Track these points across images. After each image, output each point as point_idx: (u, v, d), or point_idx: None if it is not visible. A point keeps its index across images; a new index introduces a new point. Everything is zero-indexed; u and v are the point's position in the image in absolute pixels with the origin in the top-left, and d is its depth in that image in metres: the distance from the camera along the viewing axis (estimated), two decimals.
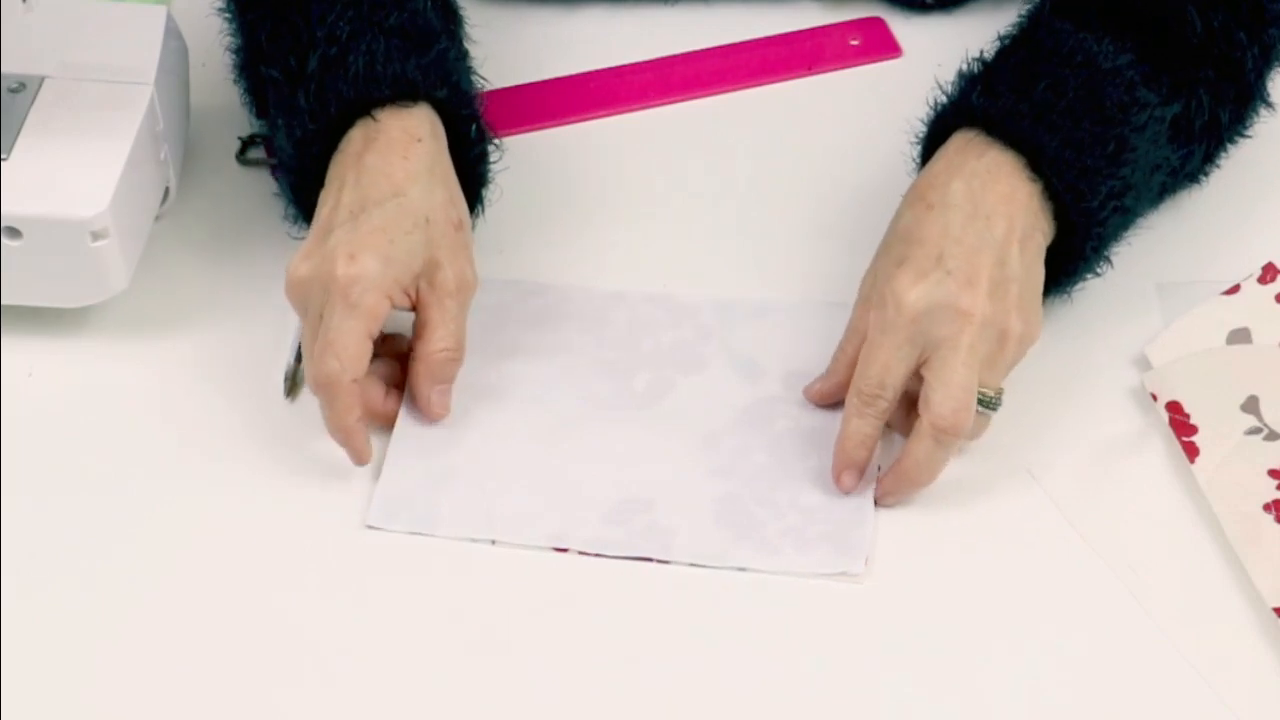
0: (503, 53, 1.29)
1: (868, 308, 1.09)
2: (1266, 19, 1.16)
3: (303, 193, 1.15)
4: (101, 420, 1.14)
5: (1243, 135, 1.20)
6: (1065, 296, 1.15)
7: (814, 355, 1.15)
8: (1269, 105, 1.21)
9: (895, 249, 1.08)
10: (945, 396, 1.04)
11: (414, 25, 1.14)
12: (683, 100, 1.32)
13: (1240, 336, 1.15)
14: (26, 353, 1.16)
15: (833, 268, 1.20)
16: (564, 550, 1.07)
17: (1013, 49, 1.13)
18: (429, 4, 1.17)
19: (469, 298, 1.11)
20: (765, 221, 1.24)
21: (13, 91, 1.16)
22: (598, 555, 1.06)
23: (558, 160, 1.27)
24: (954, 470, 1.10)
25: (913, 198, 1.10)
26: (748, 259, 1.21)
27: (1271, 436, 1.09)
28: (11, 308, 1.16)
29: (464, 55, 1.19)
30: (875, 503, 1.08)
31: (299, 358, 1.15)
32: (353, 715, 1.01)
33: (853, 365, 1.08)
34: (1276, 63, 1.19)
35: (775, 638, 1.03)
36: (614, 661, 1.02)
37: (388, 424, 1.11)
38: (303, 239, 1.11)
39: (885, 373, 1.06)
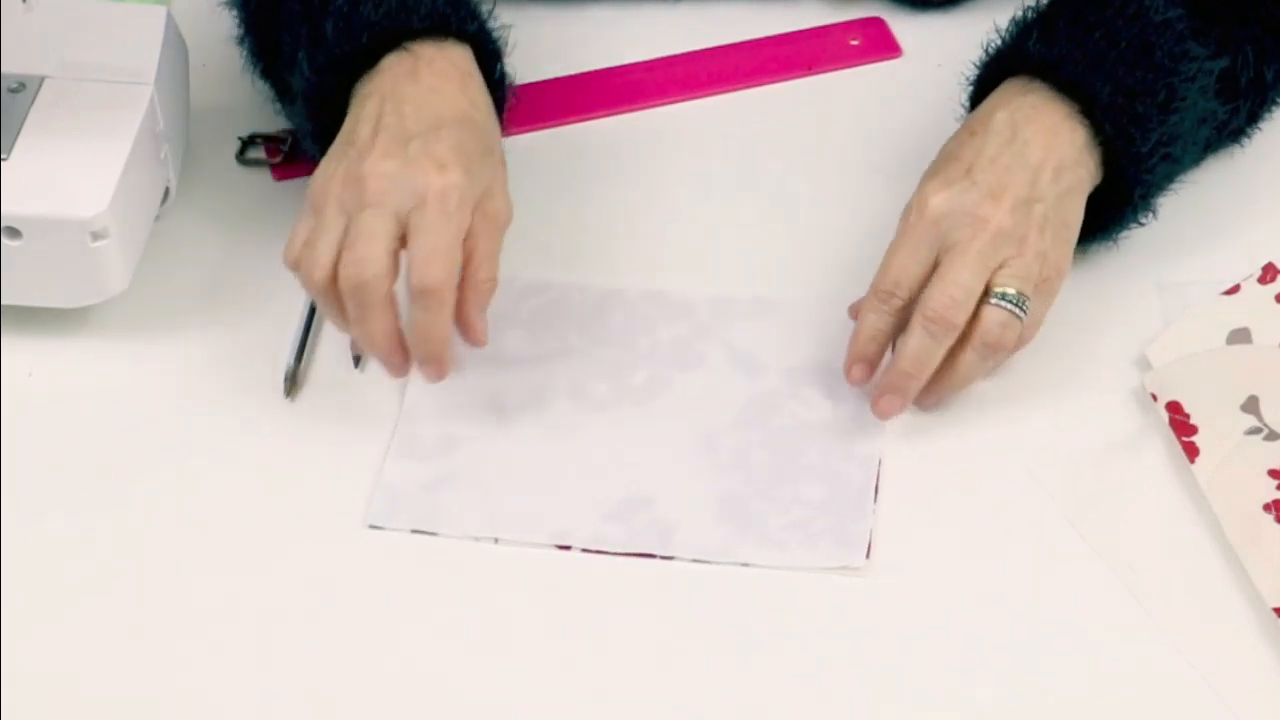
0: None
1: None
2: None
3: (323, 122, 1.14)
4: (101, 420, 1.14)
5: None
6: (1111, 243, 1.18)
7: (812, 350, 1.15)
8: None
9: (933, 168, 1.12)
10: (940, 290, 1.07)
11: None
12: (682, 100, 1.32)
13: (1240, 336, 1.15)
14: (26, 353, 1.16)
15: (831, 267, 1.20)
16: (567, 548, 1.07)
17: (1067, 1, 1.15)
18: None
19: (503, 233, 1.10)
20: (764, 221, 1.24)
21: (13, 91, 1.16)
22: (600, 552, 1.06)
23: (556, 160, 1.27)
24: (954, 470, 1.10)
25: (960, 130, 1.14)
26: (747, 258, 1.21)
27: (1271, 436, 1.09)
28: (11, 308, 1.16)
29: None
30: (872, 406, 1.10)
31: (299, 358, 1.15)
32: (358, 715, 1.01)
33: None
34: None
35: (780, 632, 1.03)
36: (619, 658, 1.02)
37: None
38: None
39: (901, 271, 1.09)
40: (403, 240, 1.06)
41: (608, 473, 1.10)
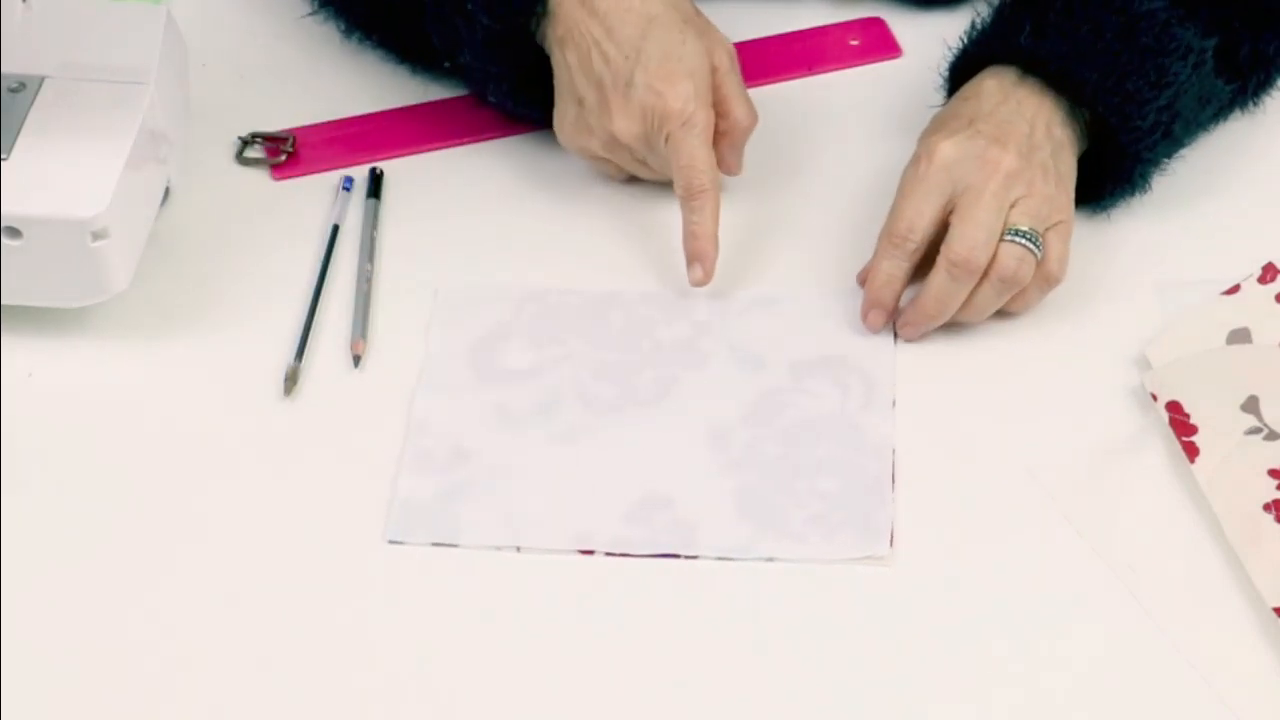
0: None
1: None
2: None
3: (514, 65, 1.21)
4: (101, 420, 1.14)
5: None
6: (1105, 218, 1.21)
7: (815, 344, 1.16)
8: None
9: (932, 126, 1.17)
10: (962, 234, 1.11)
11: None
12: None
13: (1240, 336, 1.15)
14: (26, 353, 1.16)
15: (831, 267, 1.20)
16: (589, 552, 1.07)
17: None
18: None
19: (737, 63, 1.20)
20: (763, 221, 1.24)
21: (13, 91, 1.16)
22: (624, 555, 1.07)
23: (555, 161, 1.26)
24: (954, 470, 1.10)
25: (951, 99, 1.19)
26: (746, 258, 1.21)
27: (1271, 436, 1.09)
28: (11, 308, 1.16)
29: None
30: (895, 335, 1.15)
31: (299, 356, 1.15)
32: None
33: None
34: None
35: (809, 625, 1.04)
36: (650, 659, 1.02)
37: None
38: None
39: (916, 216, 1.13)
40: None
41: (623, 475, 1.10)
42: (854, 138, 1.29)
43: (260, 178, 1.27)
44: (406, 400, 1.14)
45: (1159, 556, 1.06)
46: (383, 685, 1.02)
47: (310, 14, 1.31)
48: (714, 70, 1.18)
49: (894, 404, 1.13)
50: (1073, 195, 1.16)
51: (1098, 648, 1.02)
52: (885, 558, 1.06)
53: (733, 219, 1.23)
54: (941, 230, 1.13)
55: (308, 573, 1.06)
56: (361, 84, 1.31)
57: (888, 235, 1.14)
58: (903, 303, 1.16)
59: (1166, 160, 1.20)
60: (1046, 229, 1.13)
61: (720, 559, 1.06)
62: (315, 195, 1.25)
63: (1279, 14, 1.21)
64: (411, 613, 1.05)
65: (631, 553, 1.07)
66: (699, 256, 1.17)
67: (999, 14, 1.20)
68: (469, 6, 1.18)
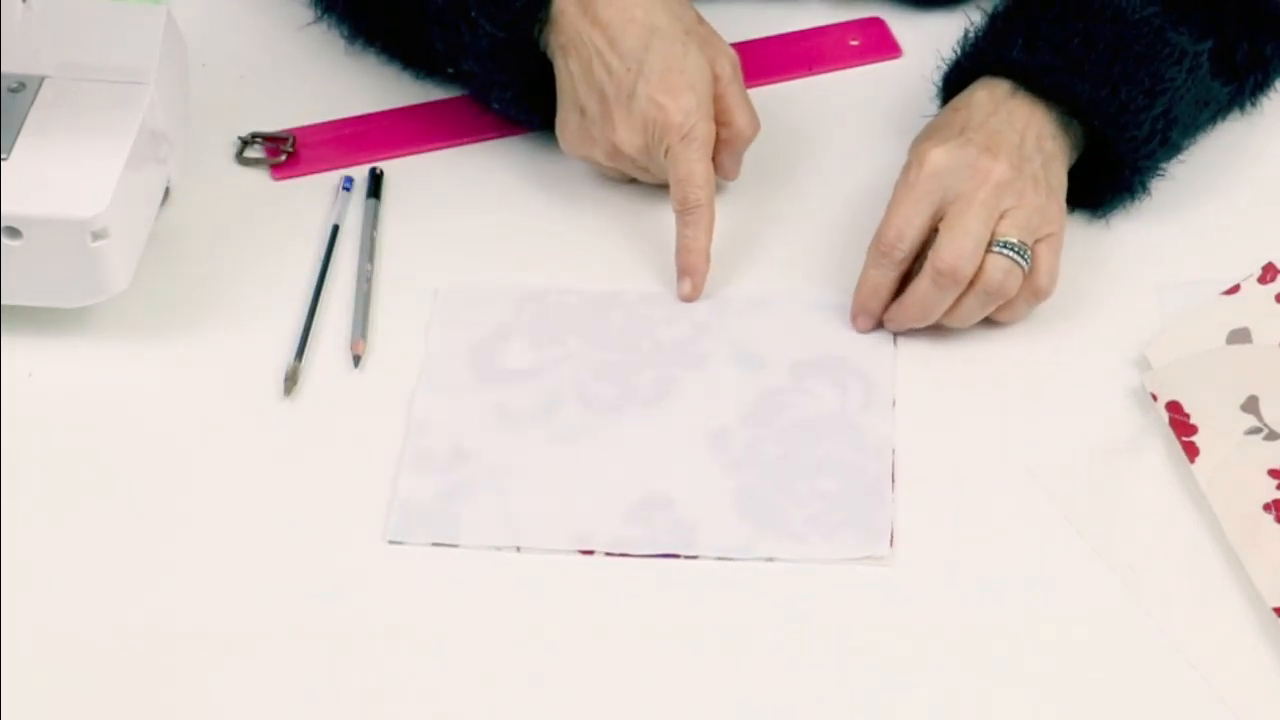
0: None
1: None
2: None
3: (518, 73, 1.21)
4: (101, 420, 1.14)
5: None
6: (1104, 223, 1.21)
7: (814, 344, 1.16)
8: None
9: (923, 134, 1.17)
10: (949, 242, 1.11)
11: None
12: None
13: (1240, 336, 1.15)
14: (26, 353, 1.16)
15: (831, 267, 1.20)
16: (589, 552, 1.07)
17: (1045, 4, 1.18)
18: None
19: (740, 72, 1.20)
20: (763, 221, 1.24)
21: (13, 91, 1.16)
22: (624, 555, 1.07)
23: (554, 161, 1.26)
24: (954, 470, 1.10)
25: (943, 109, 1.19)
26: (746, 258, 1.21)
27: (1271, 436, 1.09)
28: (11, 308, 1.16)
29: None
30: (883, 326, 1.16)
31: (299, 356, 1.15)
32: None
33: None
34: None
35: (810, 625, 1.04)
36: (650, 659, 1.03)
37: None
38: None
39: (905, 225, 1.13)
40: None
41: (623, 475, 1.10)
42: (854, 138, 1.29)
43: (260, 178, 1.27)
44: (406, 400, 1.14)
45: (1159, 556, 1.06)
46: (383, 685, 1.02)
47: (313, 22, 1.31)
48: (716, 79, 1.18)
49: (894, 404, 1.13)
50: (1064, 207, 1.16)
51: (1098, 648, 1.02)
52: (885, 558, 1.06)
53: (733, 219, 1.23)
54: (932, 235, 1.13)
55: (308, 573, 1.06)
56: (361, 84, 1.31)
57: (876, 244, 1.14)
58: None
59: (1165, 165, 1.20)
60: (1036, 241, 1.13)
61: (720, 559, 1.06)
62: (315, 195, 1.25)
63: (1274, 14, 1.21)
64: (411, 613, 1.05)
65: (631, 553, 1.07)
66: (690, 271, 1.18)
67: (991, 25, 1.20)
68: (472, 14, 1.18)
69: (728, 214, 1.23)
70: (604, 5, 1.18)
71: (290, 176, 1.27)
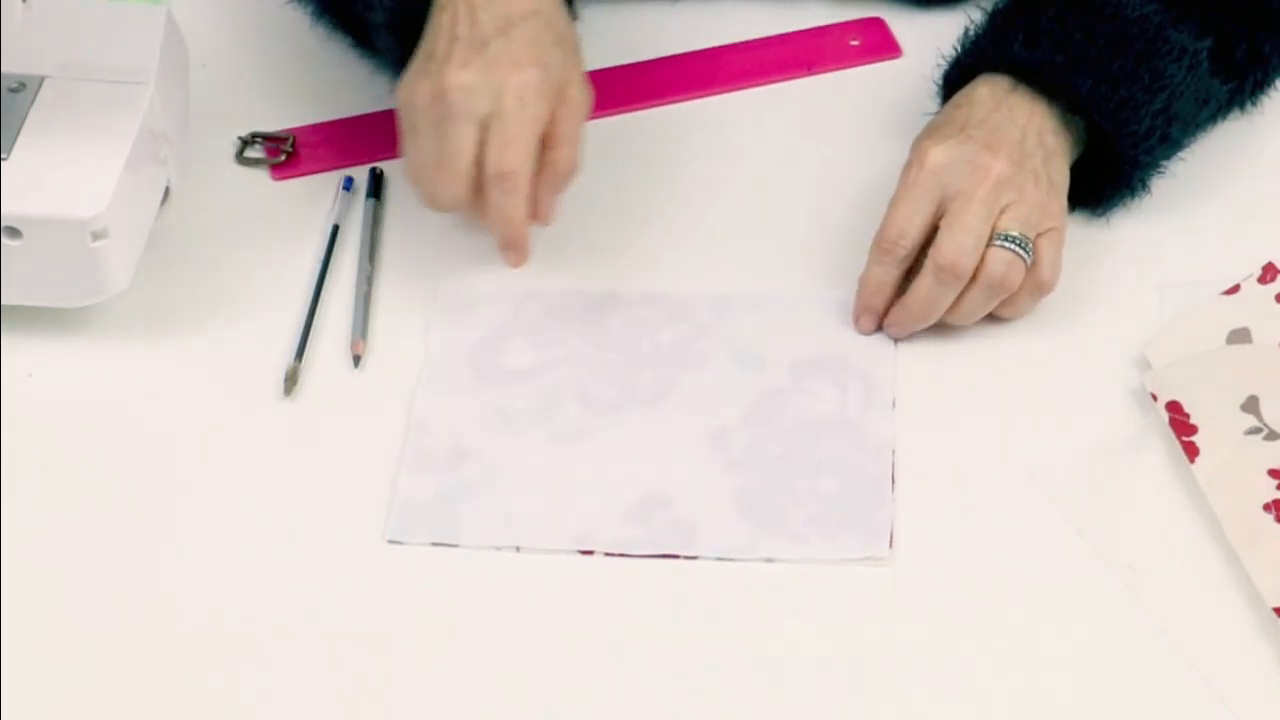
0: None
1: None
2: None
3: (408, 35, 1.17)
4: (101, 420, 1.14)
5: None
6: (1104, 222, 1.21)
7: (815, 344, 1.16)
8: None
9: (924, 132, 1.17)
10: (949, 238, 1.11)
11: None
12: (681, 100, 1.32)
13: (1240, 336, 1.15)
14: (26, 353, 1.16)
15: (831, 267, 1.20)
16: (589, 552, 1.07)
17: (1045, 2, 1.18)
18: None
19: (586, 115, 1.15)
20: (763, 221, 1.24)
21: (13, 91, 1.16)
22: (624, 555, 1.07)
23: None
24: (954, 470, 1.10)
25: (945, 106, 1.19)
26: (746, 259, 1.21)
27: (1271, 436, 1.09)
28: (11, 308, 1.16)
29: None
30: (882, 329, 1.16)
31: (299, 356, 1.15)
32: None
33: None
34: None
35: (809, 625, 1.04)
36: (649, 659, 1.03)
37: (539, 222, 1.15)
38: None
39: (906, 223, 1.13)
40: None
41: (623, 475, 1.10)
42: (854, 138, 1.29)
43: (260, 178, 1.27)
44: (406, 400, 1.14)
45: (1159, 556, 1.06)
46: (382, 685, 1.02)
47: (285, 1, 1.31)
48: (564, 100, 1.13)
49: (894, 404, 1.13)
50: (1065, 202, 1.16)
51: (1097, 648, 1.02)
52: (885, 558, 1.06)
53: (734, 219, 1.23)
54: (933, 233, 1.13)
55: (308, 573, 1.06)
56: (361, 84, 1.31)
57: (879, 242, 1.14)
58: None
59: (1165, 163, 1.20)
60: (1038, 235, 1.13)
61: (720, 559, 1.06)
62: (315, 195, 1.25)
63: (1274, 12, 1.22)
64: (411, 613, 1.05)
65: (631, 553, 1.07)
66: (511, 244, 1.14)
67: (992, 23, 1.20)
68: None
69: (727, 214, 1.24)
70: None
71: (290, 177, 1.27)
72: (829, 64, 1.34)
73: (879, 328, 1.16)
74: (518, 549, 1.07)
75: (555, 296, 1.19)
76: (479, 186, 1.12)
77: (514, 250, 1.14)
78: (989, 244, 1.12)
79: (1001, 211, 1.12)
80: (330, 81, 1.32)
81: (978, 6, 1.26)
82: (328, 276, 1.20)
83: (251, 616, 1.04)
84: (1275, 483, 1.07)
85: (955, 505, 1.09)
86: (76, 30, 1.19)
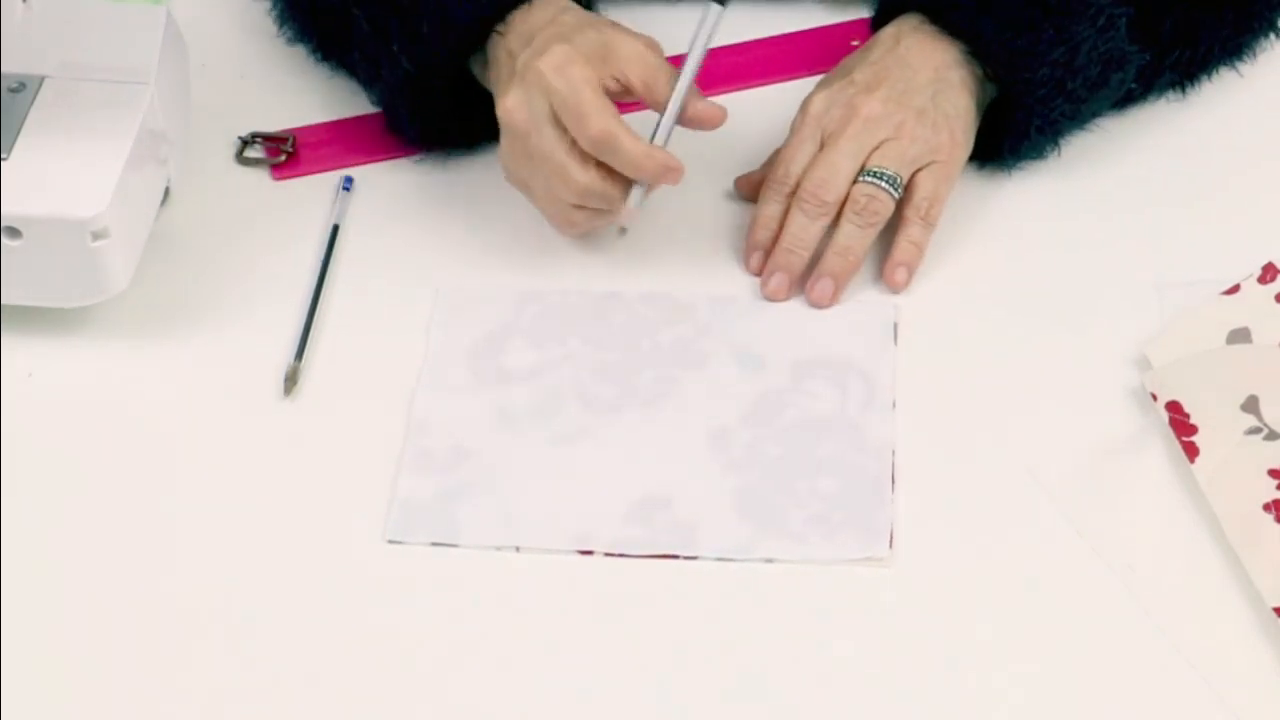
0: None
1: None
2: None
3: (424, 108, 1.22)
4: (101, 420, 1.14)
5: (1243, 57, 1.29)
6: (1006, 173, 1.24)
7: (815, 345, 1.16)
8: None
9: (823, 78, 1.23)
10: (811, 172, 1.17)
11: None
12: None
13: (1240, 336, 1.15)
14: (26, 353, 1.16)
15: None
16: (589, 552, 1.07)
17: None
18: None
19: (661, 55, 1.17)
20: None
21: (13, 91, 1.16)
22: (623, 555, 1.07)
23: None
24: (954, 470, 1.10)
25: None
26: (733, 256, 1.21)
27: (1271, 436, 1.09)
28: (11, 308, 1.16)
29: None
30: (761, 287, 1.19)
31: (299, 356, 1.15)
32: None
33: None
34: None
35: (809, 625, 1.04)
36: (650, 658, 1.03)
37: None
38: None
39: (790, 162, 1.19)
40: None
41: (623, 475, 1.10)
42: None
43: (260, 178, 1.27)
44: (406, 400, 1.14)
45: (1159, 556, 1.06)
46: (382, 685, 1.02)
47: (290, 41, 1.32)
48: (613, 59, 1.14)
49: (894, 404, 1.13)
50: (961, 139, 1.19)
51: (1097, 648, 1.02)
52: (885, 558, 1.06)
53: (733, 220, 1.23)
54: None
55: (308, 573, 1.06)
56: (354, 78, 1.31)
57: (767, 182, 1.19)
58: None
59: (1069, 120, 1.22)
60: (917, 169, 1.17)
61: (720, 559, 1.06)
62: (315, 195, 1.25)
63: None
64: (411, 613, 1.05)
65: (631, 553, 1.07)
66: (656, 172, 1.15)
67: None
68: (394, 47, 1.20)
69: (726, 214, 1.24)
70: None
71: (291, 177, 1.27)
72: (830, 65, 1.33)
73: (767, 268, 1.19)
74: (518, 549, 1.07)
75: (555, 296, 1.19)
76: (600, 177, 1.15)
77: (672, 171, 1.15)
78: (857, 181, 1.17)
79: (875, 148, 1.17)
80: (330, 82, 1.32)
81: None
82: (327, 276, 1.20)
83: (251, 616, 1.05)
84: (1275, 483, 1.07)
85: (955, 505, 1.09)
86: (76, 30, 1.19)
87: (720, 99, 1.30)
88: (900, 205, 1.18)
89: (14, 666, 1.02)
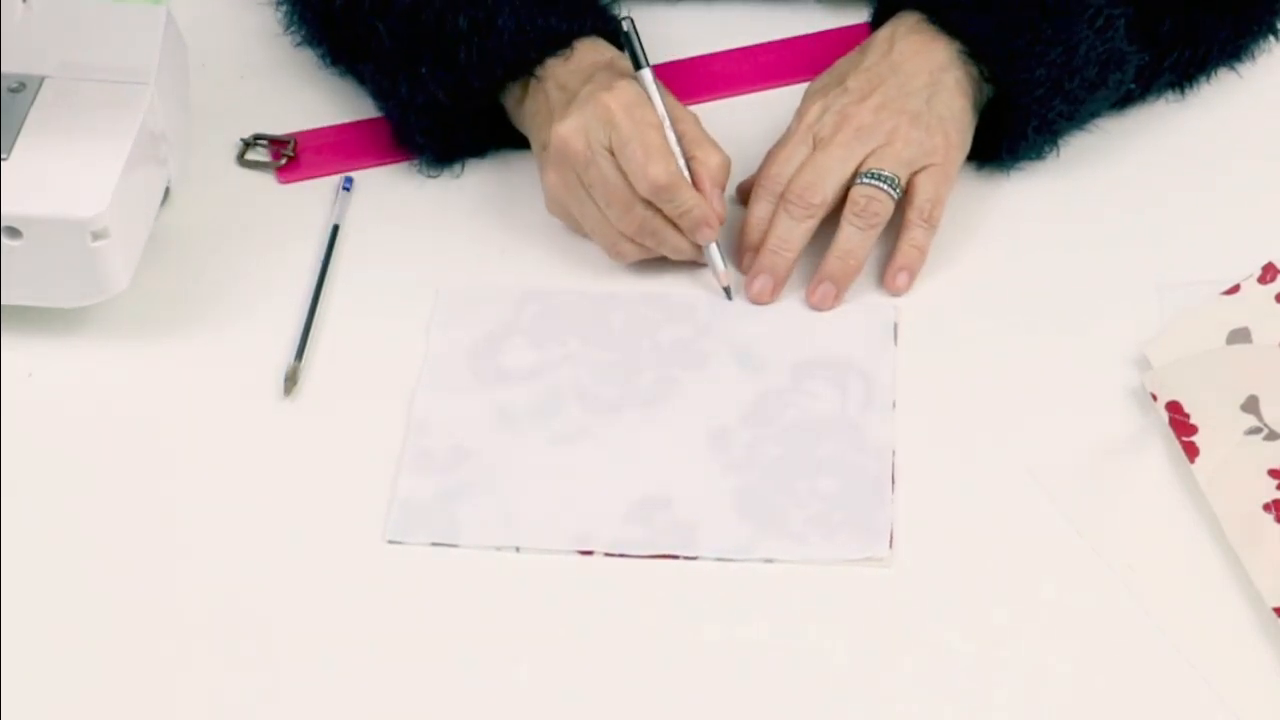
0: None
1: None
2: None
3: (439, 136, 1.24)
4: (101, 420, 1.14)
5: (1242, 59, 1.29)
6: (1005, 174, 1.24)
7: (815, 345, 1.16)
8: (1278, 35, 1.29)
9: (817, 81, 1.23)
10: (799, 175, 1.17)
11: None
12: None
13: (1240, 336, 1.15)
14: (26, 353, 1.16)
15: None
16: (589, 552, 1.07)
17: None
18: None
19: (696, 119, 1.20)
20: None
21: (13, 91, 1.16)
22: (623, 555, 1.07)
23: None
24: (954, 470, 1.10)
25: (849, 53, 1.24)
26: (733, 257, 1.21)
27: (1271, 436, 1.09)
28: (11, 308, 1.16)
29: None
30: (745, 288, 1.18)
31: (299, 356, 1.15)
32: None
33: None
34: None
35: (809, 625, 1.04)
36: (650, 658, 1.02)
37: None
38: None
39: (783, 165, 1.19)
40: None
41: (623, 476, 1.10)
42: None
43: (260, 178, 1.27)
44: (406, 400, 1.14)
45: (1159, 556, 1.06)
46: (382, 685, 1.02)
47: (299, 44, 1.32)
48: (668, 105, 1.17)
49: (894, 404, 1.13)
50: (957, 140, 1.19)
51: (1097, 648, 1.02)
52: (885, 558, 1.06)
53: (733, 221, 1.23)
54: (841, 201, 1.17)
55: (308, 573, 1.06)
56: (362, 85, 1.31)
57: (758, 184, 1.19)
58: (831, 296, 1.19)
59: (1067, 121, 1.22)
60: (915, 172, 1.17)
61: (720, 559, 1.06)
62: (315, 195, 1.26)
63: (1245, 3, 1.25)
64: (411, 613, 1.05)
65: (631, 553, 1.07)
66: (704, 220, 1.17)
67: None
68: (423, 70, 1.21)
69: (728, 215, 1.23)
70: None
71: (294, 180, 1.27)
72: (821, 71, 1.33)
73: (755, 264, 1.18)
74: (518, 549, 1.07)
75: (555, 296, 1.19)
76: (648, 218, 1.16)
77: (707, 227, 1.17)
78: (855, 183, 1.16)
79: (869, 154, 1.17)
80: (331, 82, 1.32)
81: None
82: (327, 276, 1.20)
83: (251, 616, 1.04)
84: (1275, 483, 1.07)
85: (955, 505, 1.09)
86: (76, 30, 1.19)
87: (719, 103, 1.31)
88: (902, 208, 1.18)
89: (14, 666, 1.02)
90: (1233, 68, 1.29)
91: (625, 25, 1.17)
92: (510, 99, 1.22)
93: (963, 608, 1.04)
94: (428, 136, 1.24)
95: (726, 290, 1.18)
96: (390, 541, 1.07)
